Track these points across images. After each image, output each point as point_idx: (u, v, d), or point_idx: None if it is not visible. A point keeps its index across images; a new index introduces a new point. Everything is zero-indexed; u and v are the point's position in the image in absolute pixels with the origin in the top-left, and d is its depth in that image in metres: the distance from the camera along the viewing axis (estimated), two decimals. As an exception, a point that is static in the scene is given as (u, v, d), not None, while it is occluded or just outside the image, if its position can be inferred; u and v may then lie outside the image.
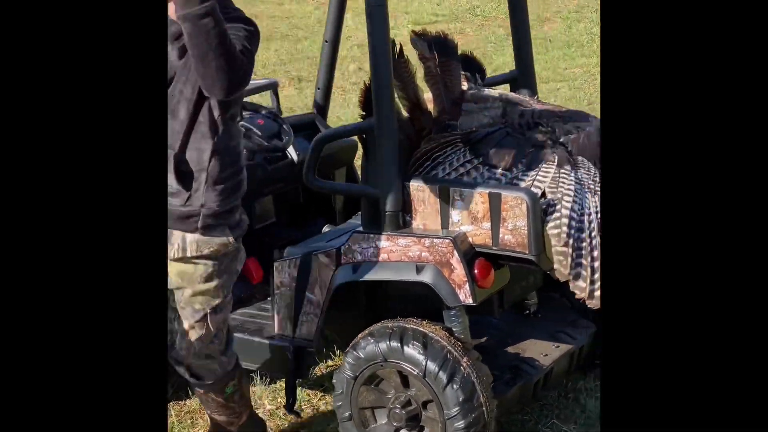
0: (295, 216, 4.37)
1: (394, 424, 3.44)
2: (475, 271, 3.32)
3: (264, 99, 4.63)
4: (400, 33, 10.27)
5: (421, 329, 3.38)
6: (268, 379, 4.02)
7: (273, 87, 4.38)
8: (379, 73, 3.31)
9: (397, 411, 3.41)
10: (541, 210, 3.27)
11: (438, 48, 3.81)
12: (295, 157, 4.11)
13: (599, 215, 3.28)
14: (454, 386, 3.30)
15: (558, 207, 3.28)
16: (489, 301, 3.60)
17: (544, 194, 3.33)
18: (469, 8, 11.74)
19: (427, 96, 3.80)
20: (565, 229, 3.24)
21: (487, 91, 3.86)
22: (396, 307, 3.65)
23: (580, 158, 3.49)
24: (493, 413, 3.37)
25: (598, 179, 3.42)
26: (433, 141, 3.58)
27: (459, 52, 3.90)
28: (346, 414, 3.50)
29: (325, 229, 4.02)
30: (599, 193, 3.35)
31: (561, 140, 3.55)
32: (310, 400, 4.00)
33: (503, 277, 3.45)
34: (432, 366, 3.32)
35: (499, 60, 9.47)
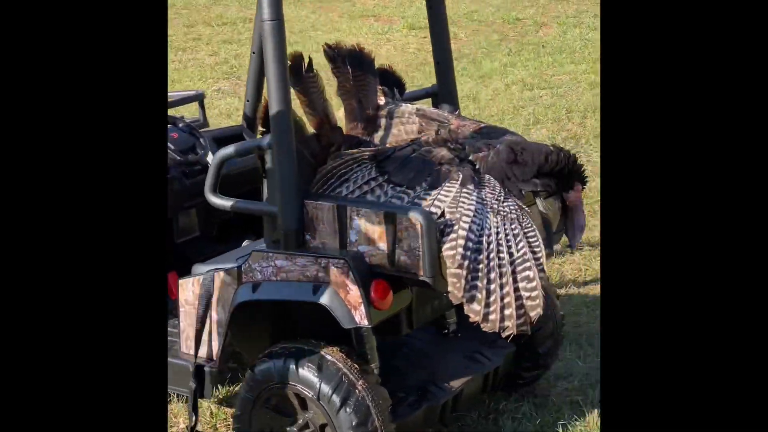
0: (221, 230, 4.31)
1: (292, 446, 3.38)
2: (372, 293, 3.25)
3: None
4: (394, 38, 10.23)
5: (316, 351, 3.31)
6: (184, 399, 3.96)
7: (199, 98, 4.33)
8: (273, 89, 3.24)
9: (295, 434, 3.36)
10: (436, 231, 3.19)
11: (353, 62, 3.74)
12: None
13: (500, 236, 3.20)
14: (348, 410, 3.23)
15: (455, 228, 3.20)
16: (397, 321, 3.53)
17: (443, 214, 3.26)
18: (467, 13, 11.65)
19: (341, 112, 3.74)
20: (460, 250, 3.16)
21: (404, 106, 3.79)
22: (307, 326, 3.58)
23: (486, 177, 3.41)
24: (391, 438, 3.30)
25: (503, 198, 3.34)
26: (340, 158, 3.51)
27: (377, 66, 3.83)
28: (246, 436, 3.45)
29: (245, 243, 3.96)
30: (503, 213, 3.27)
31: (470, 158, 3.47)
32: (226, 419, 3.95)
33: (404, 298, 3.37)
34: (326, 388, 3.25)
35: (488, 66, 9.38)
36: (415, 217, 3.18)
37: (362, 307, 3.24)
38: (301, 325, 3.61)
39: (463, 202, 3.28)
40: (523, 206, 3.35)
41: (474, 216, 3.24)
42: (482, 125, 3.75)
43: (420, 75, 9.06)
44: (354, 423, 3.22)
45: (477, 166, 3.45)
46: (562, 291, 4.92)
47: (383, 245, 3.24)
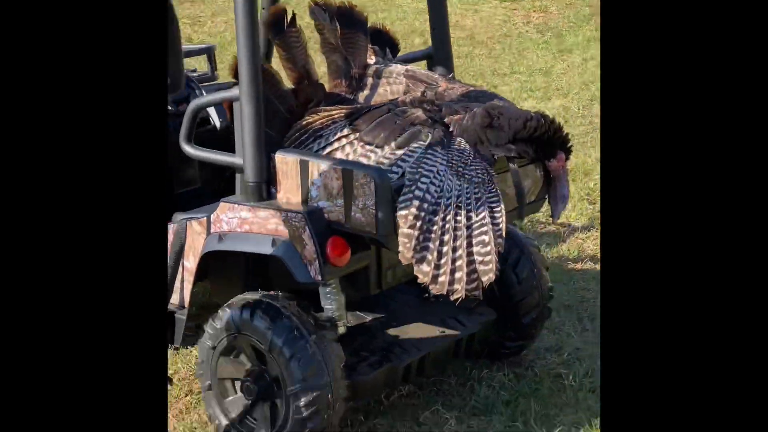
0: (228, 184, 4.36)
1: (247, 397, 3.41)
2: (327, 249, 3.25)
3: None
4: (482, 9, 10.15)
5: (273, 303, 3.34)
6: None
7: (209, 51, 4.37)
8: (241, 41, 3.26)
9: (249, 384, 3.39)
10: (391, 189, 3.18)
11: (341, 19, 3.74)
12: (217, 123, 4.10)
13: (460, 199, 3.18)
14: (297, 363, 3.25)
15: (412, 188, 3.19)
16: (365, 280, 3.53)
17: (403, 174, 3.25)
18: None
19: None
20: (413, 210, 3.14)
21: (394, 66, 3.77)
22: (281, 279, 3.60)
23: (458, 139, 3.38)
24: (340, 394, 3.30)
25: (470, 161, 3.30)
26: (316, 114, 3.52)
27: (369, 24, 3.82)
28: (207, 384, 3.50)
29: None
30: (468, 176, 3.25)
31: (445, 120, 3.44)
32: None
33: (364, 257, 3.37)
34: (277, 340, 3.28)
35: (571, 40, 9.24)
36: (370, 174, 3.18)
37: (317, 263, 3.25)
38: (275, 278, 3.63)
39: (426, 163, 3.26)
40: (491, 171, 3.30)
41: (434, 177, 3.21)
42: (471, 89, 3.71)
43: (500, 46, 9.00)
44: (302, 376, 3.24)
45: (451, 129, 3.42)
46: (579, 266, 4.84)
47: (341, 201, 3.25)
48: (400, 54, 3.98)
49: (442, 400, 3.78)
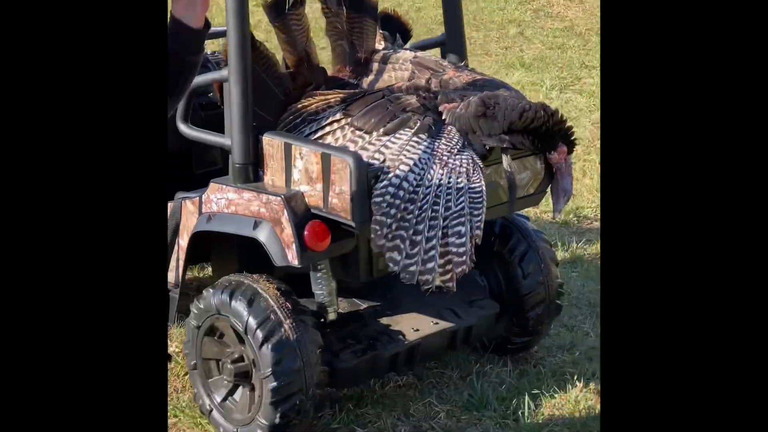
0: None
1: (227, 379, 3.42)
2: (305, 233, 3.23)
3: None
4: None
5: (253, 285, 3.33)
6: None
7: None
8: (231, 22, 3.26)
9: (229, 366, 3.39)
10: (367, 175, 3.14)
11: (350, 4, 3.70)
12: None
13: (440, 188, 3.11)
14: (270, 346, 3.24)
15: (390, 175, 3.14)
16: (356, 266, 3.50)
17: (384, 161, 3.20)
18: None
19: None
20: (388, 198, 3.09)
21: (402, 53, 3.72)
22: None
23: (449, 128, 3.32)
24: (314, 380, 3.28)
25: (456, 151, 3.24)
26: (312, 97, 3.50)
27: (379, 9, 3.78)
28: (192, 363, 3.51)
29: None
30: (451, 165, 3.18)
31: (439, 108, 3.38)
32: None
33: (348, 243, 3.33)
34: (252, 323, 3.27)
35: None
36: (345, 159, 3.14)
37: (294, 247, 3.23)
38: (267, 259, 3.62)
39: (408, 150, 3.21)
40: (478, 161, 3.23)
41: (414, 165, 3.16)
42: (479, 77, 3.63)
43: (596, 39, 8.79)
44: (275, 360, 3.23)
45: (444, 117, 3.35)
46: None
47: (320, 186, 3.22)
48: (416, 41, 3.93)
49: (438, 392, 3.73)
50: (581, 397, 3.68)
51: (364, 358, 3.44)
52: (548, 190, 3.57)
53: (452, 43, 3.83)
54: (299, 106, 3.48)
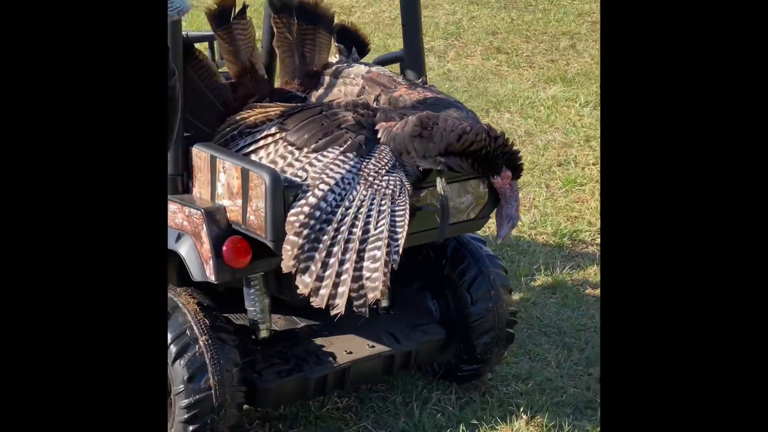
0: None
1: (148, 391, 3.36)
2: (224, 249, 3.16)
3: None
4: None
5: (174, 299, 3.28)
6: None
7: (210, 39, 4.32)
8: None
9: (149, 379, 3.34)
10: (283, 193, 3.06)
11: (301, 14, 3.62)
12: None
13: (361, 210, 3.02)
14: (182, 362, 3.18)
15: (307, 194, 3.06)
16: (289, 284, 3.41)
17: (306, 178, 3.12)
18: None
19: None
20: (302, 218, 3.01)
21: (356, 67, 3.62)
22: None
23: (382, 147, 3.22)
24: (228, 399, 3.20)
25: (384, 171, 3.14)
26: (252, 110, 3.43)
27: (336, 22, 3.69)
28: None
29: None
30: (377, 186, 3.09)
31: (376, 126, 3.28)
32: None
33: (271, 261, 3.25)
34: (168, 337, 3.21)
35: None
36: (262, 175, 3.07)
37: (212, 262, 3.16)
38: None
39: (332, 169, 3.12)
40: (406, 183, 3.13)
41: (336, 185, 3.07)
42: (433, 96, 3.52)
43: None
44: (186, 377, 3.16)
45: (379, 135, 3.26)
46: (589, 291, 4.54)
47: (240, 201, 3.15)
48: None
49: (375, 417, 3.62)
50: (523, 431, 3.54)
51: (289, 378, 3.36)
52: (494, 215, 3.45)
53: (410, 58, 3.72)
54: (238, 117, 3.41)
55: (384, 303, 3.72)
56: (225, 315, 3.56)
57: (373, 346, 3.52)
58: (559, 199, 5.47)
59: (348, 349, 3.49)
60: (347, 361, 3.45)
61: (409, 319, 3.68)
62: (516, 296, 4.46)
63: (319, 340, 3.53)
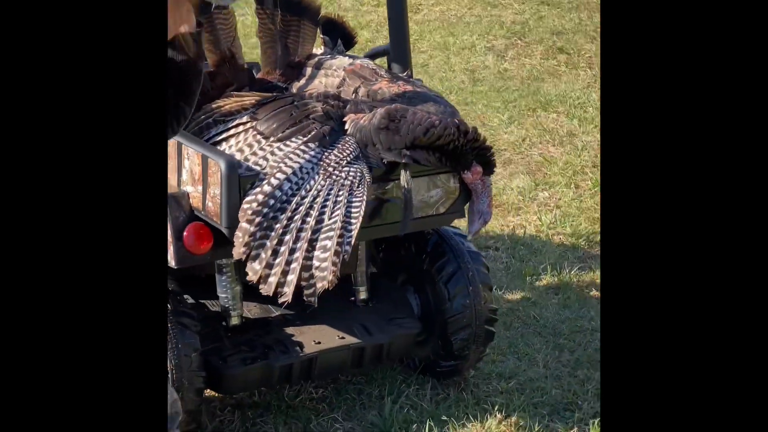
0: None
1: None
2: (184, 235, 3.20)
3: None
4: None
5: (139, 283, 3.32)
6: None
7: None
8: None
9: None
10: (238, 180, 3.08)
11: (286, 5, 3.64)
12: None
13: (317, 200, 3.03)
14: (140, 346, 3.22)
15: (263, 182, 3.07)
16: None
17: (265, 167, 3.14)
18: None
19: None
20: (255, 205, 3.02)
21: (339, 59, 3.63)
22: None
23: (347, 138, 3.23)
24: (186, 384, 3.24)
25: (346, 162, 3.14)
26: (228, 98, 3.46)
27: (322, 14, 3.70)
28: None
29: None
30: (335, 177, 3.09)
31: (344, 118, 3.29)
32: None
33: (232, 248, 3.26)
34: (129, 321, 3.26)
35: None
36: (219, 162, 3.09)
37: (173, 248, 3.20)
38: None
39: (291, 158, 3.14)
40: (367, 175, 3.13)
41: (293, 174, 3.09)
42: (411, 89, 3.51)
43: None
44: (144, 360, 3.20)
45: (346, 127, 3.26)
46: (594, 294, 4.46)
47: (200, 188, 3.18)
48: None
49: (347, 408, 3.62)
50: (495, 430, 3.50)
51: (253, 366, 3.37)
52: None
53: (396, 52, 3.71)
54: (213, 106, 3.44)
55: (362, 295, 3.71)
56: (202, 301, 3.60)
57: (343, 338, 3.52)
58: (586, 200, 5.39)
59: (317, 339, 3.49)
60: (314, 351, 3.45)
61: (386, 312, 3.67)
62: (517, 295, 4.42)
63: (290, 329, 3.54)
